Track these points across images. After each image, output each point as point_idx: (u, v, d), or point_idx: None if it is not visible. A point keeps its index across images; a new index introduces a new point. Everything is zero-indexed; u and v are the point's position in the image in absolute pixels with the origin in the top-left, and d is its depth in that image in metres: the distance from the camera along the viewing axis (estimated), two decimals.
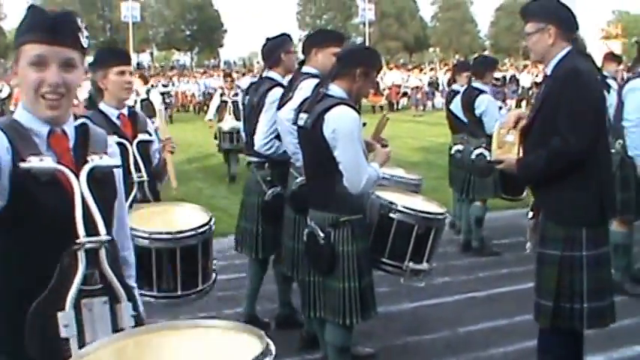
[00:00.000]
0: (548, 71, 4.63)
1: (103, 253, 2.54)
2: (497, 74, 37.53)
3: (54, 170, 2.47)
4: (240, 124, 11.17)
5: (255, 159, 6.29)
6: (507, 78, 36.61)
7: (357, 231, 4.72)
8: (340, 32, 6.92)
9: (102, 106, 5.09)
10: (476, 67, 9.27)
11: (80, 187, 2.51)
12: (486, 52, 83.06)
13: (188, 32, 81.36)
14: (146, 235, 4.36)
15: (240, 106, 12.56)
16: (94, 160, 2.61)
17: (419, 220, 4.97)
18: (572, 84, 4.44)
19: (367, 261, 4.82)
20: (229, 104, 14.49)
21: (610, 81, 8.69)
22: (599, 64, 9.67)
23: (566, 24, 4.58)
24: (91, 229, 2.50)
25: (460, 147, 9.15)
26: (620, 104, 6.88)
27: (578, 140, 4.39)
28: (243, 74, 42.47)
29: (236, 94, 14.54)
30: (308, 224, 4.82)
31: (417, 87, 36.43)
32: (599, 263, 4.56)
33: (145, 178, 5.03)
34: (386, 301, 6.75)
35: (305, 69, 5.82)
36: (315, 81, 5.12)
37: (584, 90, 4.43)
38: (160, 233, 4.44)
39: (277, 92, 5.96)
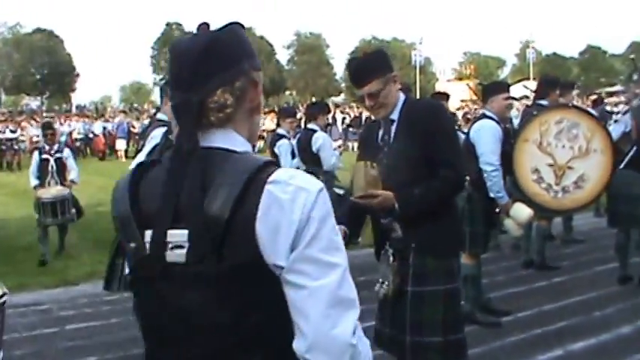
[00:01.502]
0: (395, 115, 4.60)
1: None
2: (351, 114, 38.44)
3: None
4: (66, 191, 10.77)
5: None
6: (363, 119, 37.31)
7: None
8: None
9: None
10: (309, 110, 9.93)
11: None
12: (342, 95, 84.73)
13: (38, 76, 79.22)
14: None
15: (71, 164, 11.33)
16: None
17: None
18: (441, 118, 4.58)
19: None
20: (51, 163, 11.18)
21: None
22: (457, 103, 10.19)
23: None
24: None
25: None
26: (471, 145, 7.09)
27: (463, 168, 4.60)
28: (96, 118, 41.84)
29: (59, 151, 11.38)
30: None
31: (273, 130, 36.60)
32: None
33: None
34: None
35: (159, 115, 5.84)
36: (165, 128, 5.09)
37: (451, 122, 4.76)
38: None
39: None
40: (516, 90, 26.98)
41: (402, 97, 4.64)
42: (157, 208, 1.94)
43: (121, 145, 35.79)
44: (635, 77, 9.12)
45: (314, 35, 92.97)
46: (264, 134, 36.57)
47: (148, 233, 1.95)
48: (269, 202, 1.83)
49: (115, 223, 2.07)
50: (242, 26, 2.07)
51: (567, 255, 10.22)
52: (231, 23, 2.04)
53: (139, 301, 2.10)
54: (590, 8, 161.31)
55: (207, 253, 1.85)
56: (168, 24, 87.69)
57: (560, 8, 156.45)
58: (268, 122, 37.02)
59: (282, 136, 9.80)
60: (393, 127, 4.62)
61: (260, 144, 36.82)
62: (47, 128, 11.88)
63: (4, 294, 4.26)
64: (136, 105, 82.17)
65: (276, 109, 44.23)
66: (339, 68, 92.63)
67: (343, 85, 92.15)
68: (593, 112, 9.60)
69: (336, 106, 44.67)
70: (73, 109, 69.71)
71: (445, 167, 4.44)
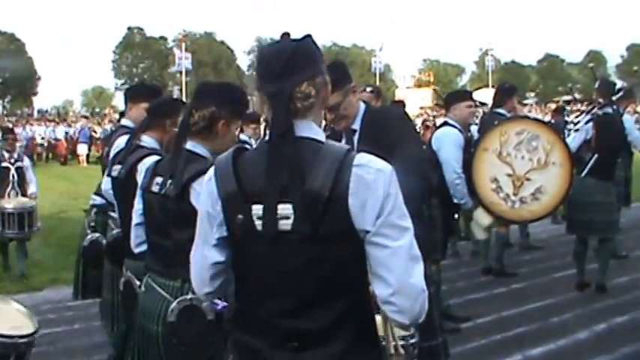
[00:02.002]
0: (357, 125, 4.66)
1: None
2: None
3: None
4: (31, 203, 10.06)
5: (90, 203, 6.26)
6: (322, 125, 37.43)
7: None
8: (154, 87, 6.88)
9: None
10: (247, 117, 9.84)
11: None
12: None
13: (0, 80, 78.30)
14: None
15: (30, 175, 10.61)
16: None
17: None
18: (407, 127, 4.72)
19: None
20: (12, 172, 10.33)
21: None
22: (416, 110, 10.21)
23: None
24: None
25: None
26: (432, 152, 7.18)
27: (430, 177, 4.75)
28: (58, 123, 41.42)
29: (20, 159, 10.58)
30: (124, 273, 4.75)
31: None
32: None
33: None
34: None
35: (123, 121, 5.86)
36: (129, 135, 5.10)
37: (416, 131, 4.84)
38: None
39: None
40: (480, 96, 27.15)
41: (362, 106, 4.68)
42: (261, 185, 2.41)
43: (82, 150, 35.47)
44: (595, 86, 9.20)
45: (275, 41, 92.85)
46: None
47: (255, 207, 2.40)
48: (357, 181, 2.33)
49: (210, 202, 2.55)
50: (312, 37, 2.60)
51: (525, 262, 10.35)
52: (307, 35, 2.57)
53: (242, 263, 2.56)
54: (549, 17, 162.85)
55: (310, 222, 2.33)
56: (129, 28, 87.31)
57: (518, 17, 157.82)
58: None
59: (243, 142, 9.84)
60: (355, 137, 4.65)
61: None
62: (8, 132, 11.16)
63: (36, 331, 4.06)
64: (97, 109, 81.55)
65: None
66: None
67: None
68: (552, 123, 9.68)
69: None
70: (35, 114, 68.87)
71: (412, 176, 4.51)
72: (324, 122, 5.80)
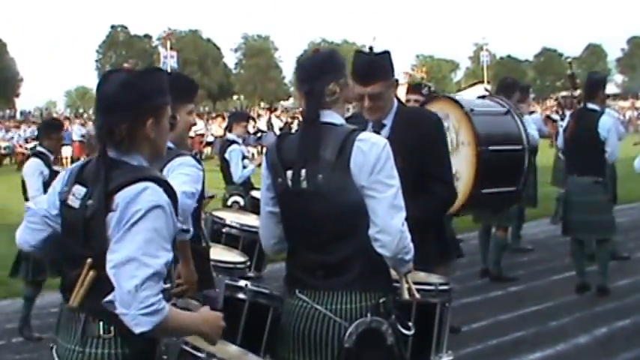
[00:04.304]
0: (388, 121, 4.63)
1: None
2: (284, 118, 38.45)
3: None
4: None
5: None
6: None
7: None
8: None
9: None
10: (229, 120, 10.34)
11: None
12: (291, 99, 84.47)
13: None
14: None
15: None
16: None
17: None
18: (443, 132, 4.75)
19: None
20: None
21: None
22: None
23: None
24: None
25: (238, 198, 9.19)
26: None
27: (453, 182, 4.72)
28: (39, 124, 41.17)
29: None
30: None
31: (221, 136, 36.12)
32: None
33: None
34: None
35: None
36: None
37: (445, 135, 4.79)
38: None
39: None
40: (475, 92, 26.83)
41: (395, 103, 4.72)
42: (293, 156, 3.36)
43: (66, 152, 35.24)
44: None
45: (262, 38, 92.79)
46: (212, 139, 36.18)
47: (288, 172, 3.37)
48: (357, 151, 3.23)
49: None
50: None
51: (523, 264, 10.25)
52: (332, 50, 3.80)
53: (284, 213, 3.50)
54: (545, 10, 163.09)
55: (324, 181, 3.26)
56: (113, 27, 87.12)
57: (514, 10, 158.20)
58: (216, 127, 36.58)
59: (232, 142, 9.64)
60: (383, 132, 4.59)
61: (207, 150, 36.44)
62: None
63: None
64: (81, 110, 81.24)
65: (224, 115, 43.90)
66: (288, 72, 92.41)
67: (292, 89, 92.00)
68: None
69: (271, 110, 44.89)
70: (18, 115, 68.54)
71: (440, 183, 4.57)
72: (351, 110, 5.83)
